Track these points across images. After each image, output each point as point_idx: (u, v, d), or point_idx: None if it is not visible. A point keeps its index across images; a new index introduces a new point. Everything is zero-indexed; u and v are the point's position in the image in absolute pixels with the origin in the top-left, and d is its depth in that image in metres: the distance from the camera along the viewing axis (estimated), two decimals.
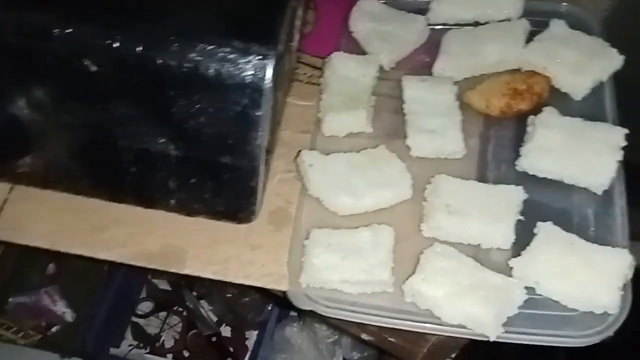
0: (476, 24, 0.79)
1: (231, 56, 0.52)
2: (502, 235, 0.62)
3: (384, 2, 0.82)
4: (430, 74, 0.76)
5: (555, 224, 0.62)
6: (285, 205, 0.69)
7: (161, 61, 0.52)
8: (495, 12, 0.78)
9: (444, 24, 0.81)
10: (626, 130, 0.65)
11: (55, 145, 0.59)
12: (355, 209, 0.66)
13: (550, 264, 0.59)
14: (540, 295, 0.59)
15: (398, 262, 0.62)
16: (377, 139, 0.72)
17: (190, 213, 0.62)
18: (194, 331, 1.42)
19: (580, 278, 0.58)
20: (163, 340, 1.46)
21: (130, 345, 1.44)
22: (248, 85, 0.52)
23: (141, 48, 0.52)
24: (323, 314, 0.61)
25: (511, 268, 0.60)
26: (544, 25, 0.77)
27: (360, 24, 0.79)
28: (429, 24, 0.80)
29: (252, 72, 0.52)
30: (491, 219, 0.62)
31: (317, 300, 0.61)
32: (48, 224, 0.65)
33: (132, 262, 0.64)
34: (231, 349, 1.38)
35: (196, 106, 0.54)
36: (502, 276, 0.59)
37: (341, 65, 0.75)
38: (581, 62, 0.72)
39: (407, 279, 0.60)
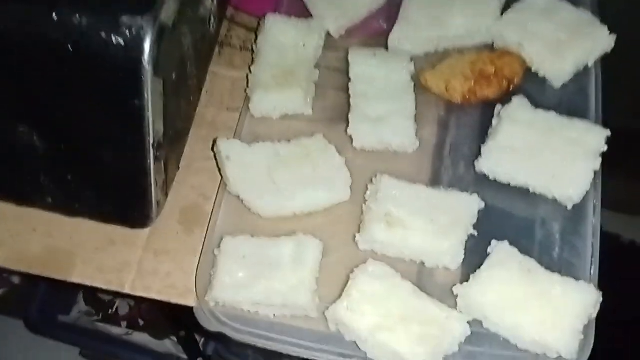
0: None
1: (95, 27, 0.39)
2: (450, 254, 0.52)
3: None
4: (387, 44, 0.64)
5: (514, 239, 0.52)
6: (200, 202, 0.58)
7: (3, 28, 0.39)
8: None
9: None
10: (608, 132, 0.54)
11: None
12: (281, 210, 0.56)
13: (501, 295, 0.49)
14: (486, 330, 0.50)
15: (327, 279, 0.53)
16: (318, 123, 0.61)
17: (71, 214, 0.51)
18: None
19: (535, 314, 0.48)
20: (117, 307, 1.39)
21: (80, 312, 1.37)
22: (120, 67, 0.40)
23: None
24: (232, 337, 0.52)
25: (456, 296, 0.50)
26: None
27: None
28: None
29: (124, 51, 0.39)
30: (438, 234, 0.52)
31: (227, 323, 0.52)
32: None
33: (7, 266, 0.54)
34: (187, 322, 1.30)
35: (57, 89, 0.42)
36: (443, 307, 0.49)
37: (277, 30, 0.62)
38: (564, 41, 0.60)
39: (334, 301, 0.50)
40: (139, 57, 0.39)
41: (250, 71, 0.61)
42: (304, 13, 0.66)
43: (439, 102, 0.62)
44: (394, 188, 0.54)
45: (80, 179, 0.47)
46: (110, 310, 1.39)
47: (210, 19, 0.54)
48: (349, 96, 0.61)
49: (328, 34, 0.65)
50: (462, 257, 0.52)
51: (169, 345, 1.36)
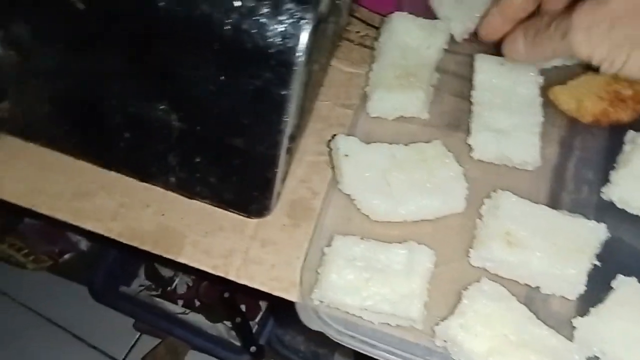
0: None
1: (256, 12, 0.38)
2: (570, 282, 0.49)
3: None
4: None
5: (636, 274, 0.49)
6: (309, 197, 0.57)
7: (164, 5, 0.39)
8: None
9: None
10: None
11: (35, 93, 0.48)
12: (392, 215, 0.54)
13: (624, 333, 0.47)
14: None
15: (434, 291, 0.51)
16: (433, 128, 0.59)
17: (192, 196, 0.51)
18: (207, 281, 1.36)
19: None
20: (176, 285, 1.41)
21: (141, 286, 1.40)
22: (274, 55, 0.39)
23: None
24: (333, 339, 0.51)
25: (574, 327, 0.48)
26: None
27: None
28: None
29: (281, 38, 0.39)
30: (561, 260, 0.49)
31: (329, 323, 0.51)
32: (28, 182, 0.55)
33: (121, 239, 0.55)
34: (243, 308, 1.31)
35: (205, 71, 0.42)
36: (561, 338, 0.47)
37: (402, 29, 0.60)
38: None
39: (442, 318, 0.49)
40: (295, 46, 0.38)
41: (371, 69, 0.59)
42: (427, 13, 0.64)
43: (563, 120, 0.59)
44: (515, 206, 0.52)
45: (208, 162, 0.47)
46: (169, 287, 1.42)
47: (342, 11, 0.53)
48: (467, 103, 0.59)
49: (451, 37, 0.62)
50: (584, 287, 0.50)
51: (221, 329, 1.38)
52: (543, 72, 0.59)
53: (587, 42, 0.45)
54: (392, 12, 0.61)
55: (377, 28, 0.64)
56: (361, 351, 0.50)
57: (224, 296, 1.31)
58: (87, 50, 0.44)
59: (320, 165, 0.59)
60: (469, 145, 0.57)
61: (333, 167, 0.56)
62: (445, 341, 0.48)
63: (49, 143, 0.51)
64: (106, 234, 0.55)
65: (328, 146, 0.57)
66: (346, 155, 0.54)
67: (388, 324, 0.50)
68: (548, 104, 0.58)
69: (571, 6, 0.47)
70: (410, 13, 0.62)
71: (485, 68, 0.58)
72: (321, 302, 0.51)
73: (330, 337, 0.51)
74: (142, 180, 0.51)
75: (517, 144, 0.55)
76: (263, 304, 1.33)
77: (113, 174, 0.54)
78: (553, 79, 0.59)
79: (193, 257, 0.54)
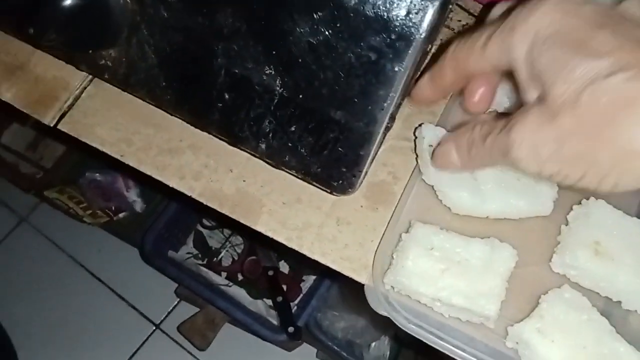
0: None
1: None
2: None
3: None
4: None
5: None
6: (390, 181, 0.57)
7: None
8: None
9: None
10: None
11: (144, 44, 0.48)
12: (476, 211, 0.53)
13: None
14: None
15: (510, 291, 0.49)
16: None
17: (278, 165, 0.51)
18: (252, 257, 1.37)
19: None
20: (222, 257, 1.43)
21: (188, 253, 1.42)
22: (396, 28, 0.39)
23: None
24: (400, 326, 0.50)
25: None
26: None
27: None
28: None
29: (406, 12, 0.38)
30: None
31: (398, 309, 0.50)
32: (119, 131, 0.57)
33: (201, 199, 0.55)
34: (284, 287, 1.32)
35: (320, 38, 0.41)
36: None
37: None
38: None
39: (514, 320, 0.48)
40: (420, 22, 0.37)
41: None
42: None
43: None
44: (608, 216, 0.50)
45: (302, 133, 0.47)
46: (214, 259, 1.44)
47: None
48: None
49: None
50: None
51: (260, 306, 1.39)
52: None
53: (533, 159, 0.38)
54: (496, 3, 0.59)
55: (478, 18, 0.63)
56: (426, 341, 0.50)
57: (267, 274, 1.32)
58: (204, 5, 0.44)
59: (403, 151, 0.58)
60: None
61: (417, 158, 0.55)
62: (517, 343, 0.47)
63: (145, 95, 0.52)
64: (187, 192, 0.55)
65: (414, 133, 0.56)
66: (430, 146, 0.53)
67: (458, 318, 0.50)
68: None
69: (505, 116, 0.40)
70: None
71: None
72: (392, 287, 0.50)
73: (397, 323, 0.50)
74: (232, 144, 0.51)
75: None
76: (304, 287, 1.33)
77: (203, 134, 0.54)
78: None
79: (269, 226, 0.54)
